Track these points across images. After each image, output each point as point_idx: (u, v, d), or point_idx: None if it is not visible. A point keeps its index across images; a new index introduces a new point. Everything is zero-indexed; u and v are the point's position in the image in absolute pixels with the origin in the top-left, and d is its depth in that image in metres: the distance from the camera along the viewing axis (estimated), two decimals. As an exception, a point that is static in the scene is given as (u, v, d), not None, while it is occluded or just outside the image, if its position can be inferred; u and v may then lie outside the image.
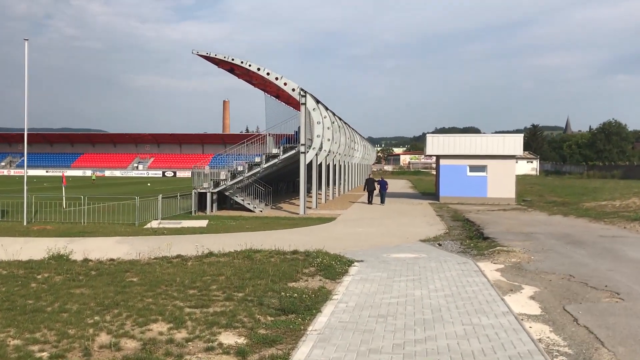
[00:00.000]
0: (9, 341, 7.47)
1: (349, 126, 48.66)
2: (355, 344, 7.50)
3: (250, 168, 29.08)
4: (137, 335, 7.76)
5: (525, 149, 38.71)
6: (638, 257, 14.70)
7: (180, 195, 28.33)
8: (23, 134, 24.41)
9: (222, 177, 28.88)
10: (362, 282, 11.47)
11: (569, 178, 76.59)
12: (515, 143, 34.79)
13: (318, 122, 29.02)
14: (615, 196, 36.25)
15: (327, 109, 34.14)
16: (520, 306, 9.81)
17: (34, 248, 15.44)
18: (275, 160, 28.90)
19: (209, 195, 28.08)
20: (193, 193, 28.15)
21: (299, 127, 28.99)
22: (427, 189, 50.02)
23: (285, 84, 28.68)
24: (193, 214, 27.23)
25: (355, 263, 13.66)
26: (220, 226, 21.96)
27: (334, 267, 12.77)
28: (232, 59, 29.36)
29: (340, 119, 41.65)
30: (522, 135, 36.90)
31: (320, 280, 11.68)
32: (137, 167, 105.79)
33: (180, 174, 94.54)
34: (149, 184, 62.03)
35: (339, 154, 39.69)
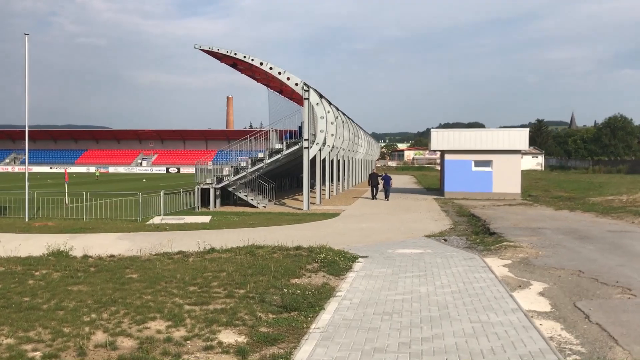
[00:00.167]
0: (2, 340, 7.23)
1: (353, 121, 48.34)
2: (360, 343, 7.24)
3: (253, 164, 28.87)
4: (134, 334, 7.51)
5: (530, 144, 38.27)
6: (648, 252, 14.39)
7: (183, 191, 28.13)
8: (29, 131, 24.17)
9: (226, 172, 28.72)
10: (366, 279, 11.20)
11: (574, 173, 76.13)
12: (520, 138, 34.44)
13: (321, 117, 28.75)
14: (621, 191, 35.94)
15: (330, 103, 33.84)
16: (530, 303, 9.53)
17: (34, 244, 15.24)
18: (279, 155, 28.66)
19: (212, 191, 27.88)
20: (196, 189, 27.95)
21: (302, 122, 28.72)
22: (432, 185, 49.69)
23: (288, 78, 28.41)
24: (196, 209, 27.05)
25: (360, 259, 13.39)
26: (223, 222, 21.74)
27: (337, 263, 12.51)
28: (235, 54, 29.12)
29: (344, 114, 41.34)
30: (528, 129, 36.48)
31: (324, 276, 11.42)
32: (140, 163, 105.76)
33: (185, 170, 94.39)
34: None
35: (343, 150, 39.39)
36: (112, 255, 13.61)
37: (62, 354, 6.78)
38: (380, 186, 34.92)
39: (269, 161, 28.68)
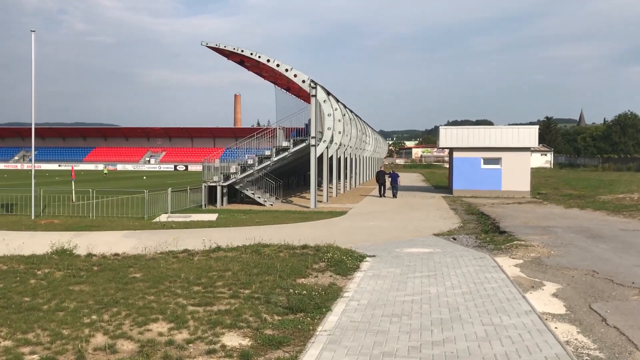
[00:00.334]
0: (0, 342, 7.04)
1: (360, 119, 48.03)
2: (368, 346, 6.98)
3: (260, 161, 28.67)
4: (135, 337, 7.28)
5: (539, 142, 37.77)
6: (664, 252, 14.03)
7: (190, 189, 28.01)
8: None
9: (233, 170, 28.55)
10: (374, 279, 10.94)
11: (583, 171, 75.48)
12: (530, 135, 34.04)
13: (329, 115, 28.49)
14: (632, 189, 35.46)
15: (338, 101, 33.57)
16: (543, 304, 9.23)
17: (38, 242, 15.10)
18: (286, 153, 28.44)
19: (219, 188, 27.72)
20: (203, 186, 27.83)
21: (310, 120, 28.48)
22: (440, 182, 49.32)
23: (295, 75, 28.17)
24: (203, 207, 26.94)
25: (367, 258, 13.12)
26: (229, 220, 21.54)
27: (345, 262, 12.24)
28: (242, 51, 28.91)
29: (351, 111, 41.04)
30: (537, 127, 36.05)
31: (331, 276, 11.17)
32: (149, 161, 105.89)
33: (192, 167, 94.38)
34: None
35: (350, 147, 39.10)
36: (116, 254, 13.42)
37: (60, 357, 6.56)
38: (388, 184, 34.64)
39: (276, 159, 28.47)
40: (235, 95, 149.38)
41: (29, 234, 17.41)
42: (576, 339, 7.49)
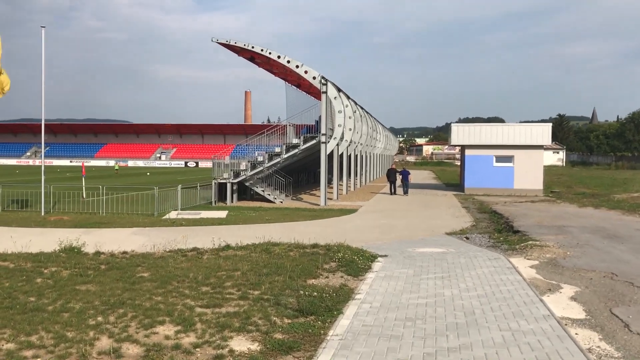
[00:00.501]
0: (2, 345, 6.84)
1: (371, 116, 47.67)
2: (381, 352, 6.72)
3: (270, 158, 28.48)
4: (140, 340, 7.06)
5: (551, 139, 37.21)
6: (684, 254, 13.64)
7: (200, 186, 27.89)
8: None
9: (243, 167, 28.41)
10: (386, 280, 10.67)
11: (596, 169, 74.62)
12: (543, 132, 33.61)
13: (339, 111, 28.22)
14: (648, 188, 34.87)
15: (348, 97, 33.26)
16: (562, 308, 8.92)
17: (46, 239, 14.98)
18: (296, 150, 28.22)
19: (229, 185, 27.58)
20: (213, 183, 27.72)
21: (320, 117, 28.23)
22: (451, 180, 48.88)
23: (305, 71, 27.92)
24: (213, 204, 26.82)
25: (379, 258, 12.85)
26: (239, 217, 21.36)
27: (356, 262, 11.99)
28: (252, 47, 28.72)
29: (362, 108, 40.72)
30: (551, 124, 35.53)
31: (342, 277, 10.92)
32: (159, 157, 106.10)
33: (203, 164, 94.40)
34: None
35: (361, 144, 38.80)
36: (124, 252, 13.25)
37: (63, 361, 6.37)
38: (399, 181, 34.34)
39: (286, 156, 28.26)
40: (245, 92, 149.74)
41: (38, 231, 17.32)
42: (598, 347, 7.18)
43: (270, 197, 28.08)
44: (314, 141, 27.98)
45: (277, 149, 29.09)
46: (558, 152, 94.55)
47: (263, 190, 28.32)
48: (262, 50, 28.53)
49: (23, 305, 8.51)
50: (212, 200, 27.23)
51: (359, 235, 16.77)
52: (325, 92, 27.50)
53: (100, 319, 7.90)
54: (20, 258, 12.26)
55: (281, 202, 27.96)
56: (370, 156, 47.22)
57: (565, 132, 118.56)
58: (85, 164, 40.06)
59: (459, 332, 7.49)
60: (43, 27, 23.45)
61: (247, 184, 28.47)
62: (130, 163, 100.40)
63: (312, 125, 30.86)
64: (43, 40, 23.19)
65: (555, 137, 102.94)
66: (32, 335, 7.16)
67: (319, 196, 28.01)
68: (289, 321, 7.90)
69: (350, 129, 29.75)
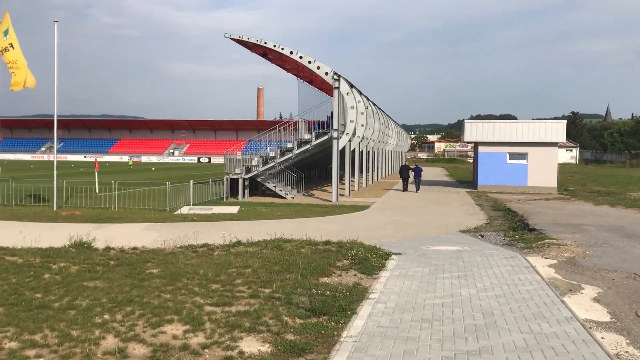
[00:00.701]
0: (5, 343, 6.62)
1: (383, 112, 47.27)
2: (398, 355, 6.43)
3: (282, 154, 28.25)
4: (147, 339, 6.82)
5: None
6: None
7: (212, 181, 27.77)
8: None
9: (255, 163, 28.22)
10: (401, 279, 10.38)
11: (610, 167, 73.61)
12: (557, 130, 33.10)
13: (352, 107, 27.92)
14: (665, 186, 34.19)
15: (361, 93, 32.94)
16: (585, 310, 8.57)
17: (57, 234, 14.83)
18: (308, 146, 27.95)
19: (240, 181, 27.41)
20: (225, 179, 27.59)
21: (332, 113, 27.95)
22: (464, 177, 48.36)
23: (318, 67, 27.64)
24: (225, 199, 26.71)
25: (393, 256, 12.55)
26: (251, 213, 21.15)
27: (369, 260, 11.70)
28: (265, 43, 28.51)
29: (374, 104, 40.36)
30: (565, 122, 34.95)
31: (355, 275, 10.64)
32: (173, 153, 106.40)
33: (215, 159, 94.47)
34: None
35: (373, 140, 38.46)
36: (134, 248, 13.06)
37: (67, 361, 6.15)
38: (411, 178, 33.98)
39: (297, 151, 28.01)
40: (258, 88, 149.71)
41: (49, 226, 17.21)
42: (627, 352, 6.84)
43: (282, 193, 27.86)
44: (325, 137, 27.70)
45: (289, 145, 28.85)
46: (571, 150, 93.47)
47: (275, 186, 28.12)
48: (274, 45, 28.31)
49: (29, 302, 8.30)
50: (224, 195, 27.13)
51: (371, 232, 16.47)
52: (338, 88, 27.20)
53: (106, 317, 7.68)
54: (29, 253, 12.10)
55: (293, 197, 27.73)
56: (382, 153, 46.84)
57: (579, 129, 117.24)
58: (99, 160, 40.10)
59: (478, 335, 7.19)
60: (56, 22, 23.35)
61: (258, 179, 28.28)
62: (144, 159, 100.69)
63: (324, 121, 30.61)
64: (56, 35, 23.10)
65: (568, 134, 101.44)
66: (36, 334, 6.95)
67: (331, 192, 27.74)
68: (301, 321, 7.63)
69: (362, 125, 29.43)
